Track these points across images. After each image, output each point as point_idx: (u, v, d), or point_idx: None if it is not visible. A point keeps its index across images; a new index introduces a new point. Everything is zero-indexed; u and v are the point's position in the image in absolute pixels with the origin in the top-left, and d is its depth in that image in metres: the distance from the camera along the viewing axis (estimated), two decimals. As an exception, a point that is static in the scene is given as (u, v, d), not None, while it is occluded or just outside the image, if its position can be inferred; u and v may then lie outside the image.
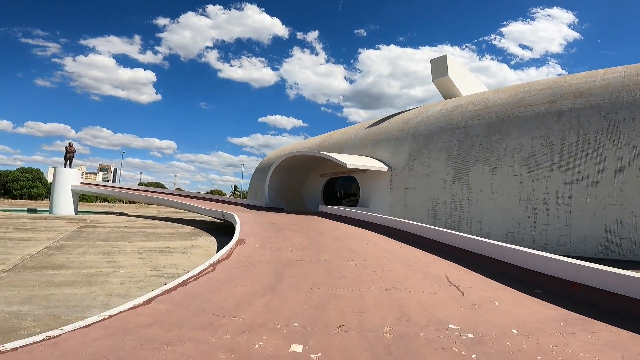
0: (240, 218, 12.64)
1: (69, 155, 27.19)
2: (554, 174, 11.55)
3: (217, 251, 10.35)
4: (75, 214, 25.88)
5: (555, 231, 11.38)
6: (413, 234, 9.40)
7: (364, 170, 18.92)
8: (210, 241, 12.76)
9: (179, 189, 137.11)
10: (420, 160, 15.90)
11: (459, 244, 7.56)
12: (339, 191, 21.97)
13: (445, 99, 20.68)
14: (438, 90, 21.28)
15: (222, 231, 16.79)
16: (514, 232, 12.24)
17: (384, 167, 17.06)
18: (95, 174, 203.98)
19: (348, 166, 15.96)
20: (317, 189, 23.09)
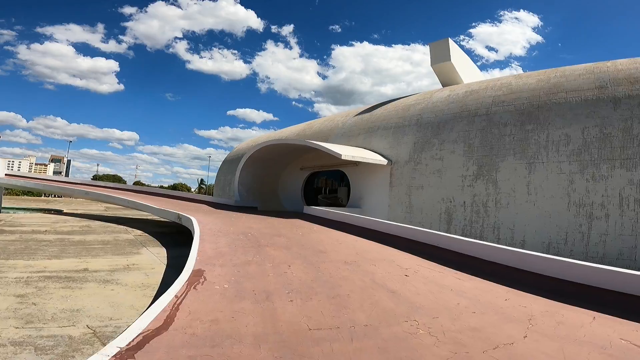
0: (202, 225, 9.07)
1: (-12, 139, 21.87)
2: (615, 172, 8.99)
3: (165, 276, 6.91)
4: (-3, 211, 20.84)
5: (615, 242, 8.85)
6: (468, 256, 6.39)
7: (355, 164, 15.80)
8: (158, 256, 9.10)
9: (138, 182, 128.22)
10: (429, 153, 13.01)
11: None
12: (324, 188, 18.73)
13: (443, 86, 18.08)
14: (437, 76, 18.68)
15: (180, 237, 13.02)
16: (559, 242, 9.63)
17: (382, 160, 14.04)
18: (47, 165, 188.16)
19: (343, 157, 12.78)
20: (296, 185, 19.72)
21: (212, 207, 16.45)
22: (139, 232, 14.38)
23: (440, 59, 17.59)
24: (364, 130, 16.91)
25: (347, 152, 13.30)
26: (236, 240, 7.77)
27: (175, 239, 12.56)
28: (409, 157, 13.67)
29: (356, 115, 19.37)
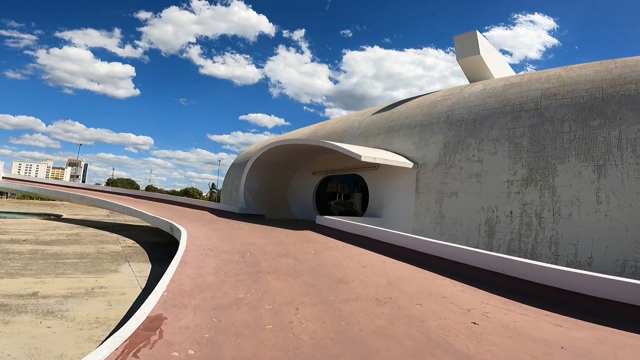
0: (192, 240, 7.35)
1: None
2: None
3: (135, 305, 5.24)
4: (-9, 215, 19.64)
5: None
6: (556, 289, 4.45)
7: (375, 167, 13.93)
8: (139, 275, 7.37)
9: (150, 186, 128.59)
10: (464, 154, 11.05)
11: None
12: (338, 194, 16.88)
13: (470, 81, 16.14)
14: (464, 70, 16.73)
15: (174, 249, 11.00)
16: (638, 260, 7.54)
17: (407, 163, 12.13)
18: (64, 169, 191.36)
19: (363, 159, 10.93)
20: (307, 191, 17.92)
21: (214, 215, 14.75)
22: (130, 242, 12.77)
23: (467, 52, 15.69)
24: (383, 130, 15.04)
25: (367, 153, 11.45)
26: (229, 262, 5.96)
27: (168, 251, 10.84)
28: (438, 159, 11.72)
29: (374, 114, 17.53)
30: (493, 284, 5.31)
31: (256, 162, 16.41)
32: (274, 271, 5.62)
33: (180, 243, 7.00)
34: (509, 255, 6.15)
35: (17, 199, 39.12)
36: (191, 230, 8.91)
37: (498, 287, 5.16)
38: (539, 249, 9.09)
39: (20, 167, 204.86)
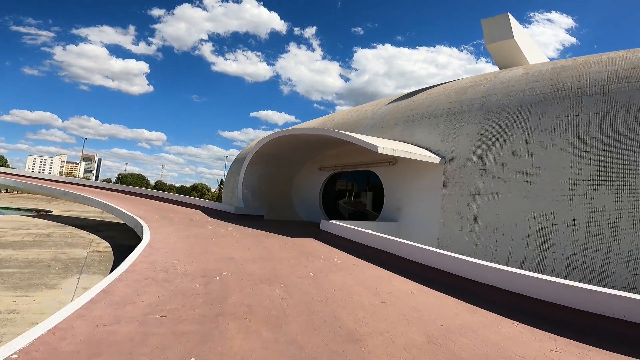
0: (152, 251, 5.40)
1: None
2: None
3: None
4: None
5: None
6: None
7: (392, 162, 11.83)
8: (82, 291, 5.42)
9: (160, 181, 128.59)
10: (507, 147, 8.87)
11: None
12: (348, 194, 14.79)
13: (500, 68, 14.00)
14: (493, 56, 14.64)
15: None
16: None
17: (434, 158, 9.98)
18: (78, 164, 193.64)
19: (380, 151, 8.84)
20: (313, 189, 15.89)
21: (205, 216, 12.84)
22: (104, 245, 10.95)
23: (498, 36, 13.68)
24: (402, 120, 12.90)
25: (386, 145, 9.35)
26: (177, 296, 3.96)
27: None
28: (473, 153, 9.54)
29: (390, 103, 15.39)
30: (609, 337, 3.19)
31: (256, 156, 14.45)
32: (246, 314, 3.59)
33: (128, 258, 5.05)
34: (569, 273, 4.01)
35: (18, 193, 38.10)
36: (159, 237, 6.96)
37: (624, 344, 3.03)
38: (612, 267, 6.88)
39: (35, 161, 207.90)
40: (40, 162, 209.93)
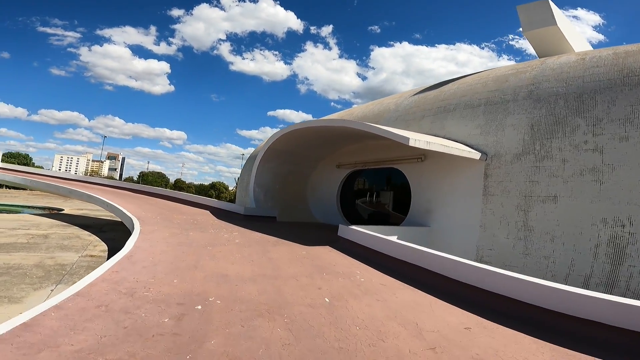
0: (127, 264, 4.20)
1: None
2: None
3: None
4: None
5: None
6: None
7: (421, 159, 10.38)
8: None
9: (179, 179, 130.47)
10: (567, 140, 7.32)
11: None
12: (370, 194, 13.38)
13: (540, 56, 12.46)
14: (533, 44, 13.18)
15: None
16: None
17: (473, 153, 8.49)
18: (102, 162, 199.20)
19: (411, 144, 7.44)
20: (330, 188, 14.58)
21: (211, 217, 11.77)
22: (102, 248, 9.99)
23: (538, 23, 12.27)
24: (431, 112, 11.41)
25: (418, 137, 7.93)
26: (127, 337, 2.74)
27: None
28: (522, 147, 8.00)
29: (415, 94, 13.88)
30: None
31: (269, 152, 13.27)
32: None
33: (90, 275, 3.88)
34: None
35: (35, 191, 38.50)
36: (144, 245, 5.82)
37: None
38: None
39: (62, 160, 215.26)
40: (67, 160, 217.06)
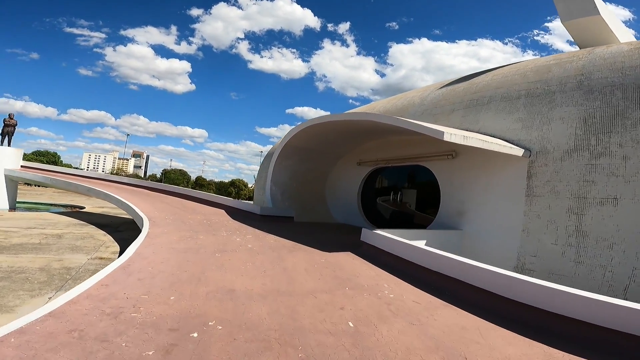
0: (120, 276, 3.59)
1: (8, 130, 19.25)
2: None
3: None
4: (12, 208, 18.05)
5: None
6: None
7: (450, 155, 9.47)
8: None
9: (200, 177, 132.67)
10: (628, 135, 6.33)
11: None
12: (394, 194, 12.52)
13: (581, 47, 11.36)
14: (573, 35, 12.07)
15: None
16: None
17: (516, 149, 7.52)
18: (128, 160, 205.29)
19: (446, 139, 6.58)
20: (350, 187, 13.82)
21: (227, 217, 11.25)
22: (113, 250, 9.62)
23: (579, 13, 11.22)
24: (461, 105, 10.46)
25: (453, 132, 7.05)
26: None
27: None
28: (574, 142, 6.99)
29: (442, 87, 12.90)
30: None
31: (286, 149, 12.64)
32: None
33: (74, 289, 3.30)
34: None
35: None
36: (147, 251, 5.26)
37: None
38: None
39: (90, 158, 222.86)
40: (95, 158, 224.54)
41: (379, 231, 6.61)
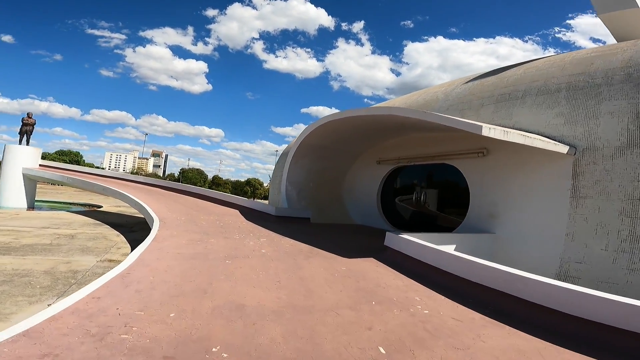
0: (116, 287, 3.08)
1: (26, 129, 19.43)
2: None
3: None
4: (31, 206, 18.21)
5: None
6: None
7: (482, 153, 8.73)
8: None
9: (216, 176, 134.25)
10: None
11: None
12: (417, 194, 11.80)
13: (619, 40, 10.46)
14: (610, 28, 11.22)
15: None
16: None
17: (561, 146, 6.75)
18: (147, 159, 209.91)
19: (485, 133, 5.88)
20: (369, 186, 13.18)
21: (241, 218, 10.81)
22: (126, 250, 9.26)
23: (616, 5, 10.31)
24: (491, 99, 9.68)
25: (493, 127, 6.35)
26: None
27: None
28: (626, 139, 6.18)
29: (468, 82, 12.10)
30: None
31: (302, 147, 12.11)
32: None
33: (59, 303, 2.83)
34: None
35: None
36: (151, 257, 4.79)
37: None
38: None
39: (111, 157, 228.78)
40: (116, 158, 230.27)
41: (405, 235, 5.97)
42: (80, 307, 2.99)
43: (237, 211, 12.67)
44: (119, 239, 11.17)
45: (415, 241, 5.62)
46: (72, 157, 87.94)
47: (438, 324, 3.53)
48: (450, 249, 6.34)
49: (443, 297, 4.35)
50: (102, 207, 21.62)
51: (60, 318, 2.76)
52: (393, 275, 5.11)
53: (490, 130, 5.88)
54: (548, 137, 7.28)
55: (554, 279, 4.23)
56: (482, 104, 9.92)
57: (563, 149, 6.65)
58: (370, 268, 5.44)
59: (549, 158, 7.04)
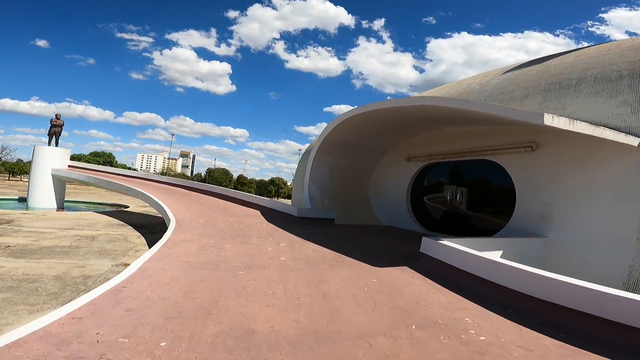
0: (107, 305, 2.48)
1: (55, 130, 19.85)
2: None
3: None
4: (60, 207, 18.57)
5: None
6: None
7: (530, 147, 7.71)
8: None
9: (241, 176, 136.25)
10: None
11: None
12: (452, 193, 10.81)
13: None
14: None
15: None
16: None
17: (631, 139, 5.72)
18: (176, 160, 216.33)
19: (547, 123, 4.98)
20: (397, 185, 12.31)
21: (262, 219, 10.27)
22: (144, 252, 8.98)
23: None
24: (537, 89, 8.62)
25: (557, 116, 5.41)
26: None
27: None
28: None
29: (507, 72, 11.03)
30: None
31: (325, 143, 11.44)
32: None
33: (25, 326, 2.27)
34: None
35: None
36: (157, 266, 4.25)
37: None
38: None
39: (143, 158, 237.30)
40: (147, 159, 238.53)
41: (445, 241, 5.15)
42: (52, 330, 2.44)
43: (259, 212, 12.15)
44: (139, 240, 10.90)
45: (458, 248, 4.80)
46: (105, 158, 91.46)
47: (501, 355, 2.74)
48: (496, 255, 5.47)
49: (499, 316, 3.54)
50: (128, 207, 21.83)
51: (24, 344, 2.21)
52: (433, 289, 4.32)
53: (554, 120, 4.96)
54: (612, 128, 6.24)
55: (621, 289, 3.36)
56: (527, 94, 8.87)
57: (634, 141, 5.61)
58: (405, 280, 4.67)
59: (615, 152, 6.00)
